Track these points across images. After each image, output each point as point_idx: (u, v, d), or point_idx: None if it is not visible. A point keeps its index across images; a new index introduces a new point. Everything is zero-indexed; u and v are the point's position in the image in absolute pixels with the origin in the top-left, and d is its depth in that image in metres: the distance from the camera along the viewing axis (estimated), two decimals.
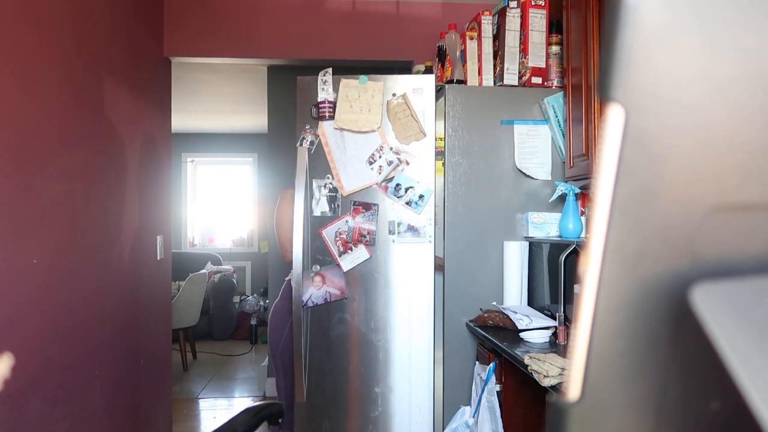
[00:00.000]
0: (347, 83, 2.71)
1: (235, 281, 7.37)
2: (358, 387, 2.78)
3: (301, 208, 2.67)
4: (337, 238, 2.73)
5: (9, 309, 1.88)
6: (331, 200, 2.73)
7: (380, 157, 2.71)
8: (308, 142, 2.73)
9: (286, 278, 2.91)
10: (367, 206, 2.72)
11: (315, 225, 2.75)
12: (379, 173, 2.72)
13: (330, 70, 2.75)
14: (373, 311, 2.78)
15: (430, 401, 2.74)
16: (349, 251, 2.73)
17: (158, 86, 3.39)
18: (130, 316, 2.92)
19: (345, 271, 2.72)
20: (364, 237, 2.72)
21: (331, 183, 2.73)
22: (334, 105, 2.72)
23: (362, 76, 2.72)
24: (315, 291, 2.73)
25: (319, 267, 2.73)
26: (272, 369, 2.92)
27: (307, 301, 2.72)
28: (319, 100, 2.73)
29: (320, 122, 2.74)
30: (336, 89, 2.72)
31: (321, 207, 2.74)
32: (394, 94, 2.72)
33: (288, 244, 2.79)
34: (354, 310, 2.77)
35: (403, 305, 2.78)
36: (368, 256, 2.73)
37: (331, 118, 2.73)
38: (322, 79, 2.73)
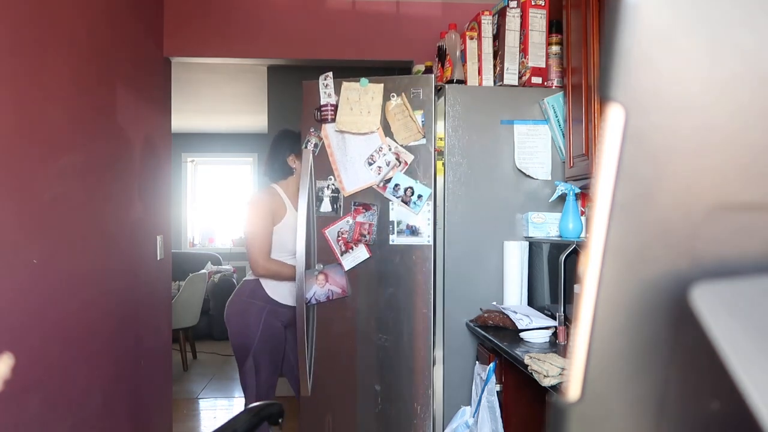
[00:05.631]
0: (348, 86, 2.75)
1: (235, 281, 7.36)
2: (358, 384, 2.81)
3: (304, 208, 2.74)
4: (339, 238, 2.77)
5: (9, 309, 1.88)
6: (334, 201, 2.78)
7: (380, 157, 2.74)
8: (312, 145, 2.79)
9: (245, 278, 2.98)
10: (367, 206, 2.75)
11: (318, 225, 2.80)
12: (378, 173, 2.74)
13: (330, 74, 2.80)
14: (373, 310, 2.80)
15: (430, 401, 2.73)
16: (351, 250, 2.76)
17: (158, 86, 3.39)
18: (130, 316, 2.92)
19: (346, 270, 2.76)
20: (364, 237, 2.74)
21: (333, 184, 2.78)
22: (335, 108, 2.76)
23: (363, 79, 2.75)
24: (318, 289, 2.78)
25: (322, 265, 2.79)
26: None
27: (311, 298, 2.78)
28: (321, 103, 2.79)
29: (323, 125, 2.79)
30: (338, 92, 2.76)
31: (324, 207, 2.79)
32: (393, 95, 2.73)
33: (260, 258, 2.85)
34: (355, 309, 2.80)
35: (403, 304, 2.78)
36: (368, 256, 2.75)
37: (333, 120, 2.77)
38: (323, 83, 2.79)
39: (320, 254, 2.80)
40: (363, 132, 2.74)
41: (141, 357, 3.06)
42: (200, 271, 6.19)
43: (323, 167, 2.80)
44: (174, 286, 5.65)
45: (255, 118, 7.20)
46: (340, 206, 2.78)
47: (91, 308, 2.46)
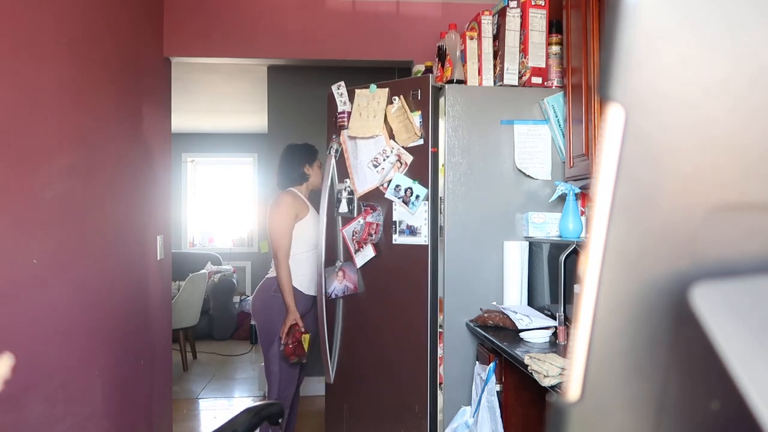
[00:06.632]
0: (360, 93, 2.93)
1: (235, 281, 7.36)
2: (366, 380, 2.98)
3: (325, 208, 3.03)
4: (353, 237, 2.95)
5: (9, 309, 1.88)
6: (349, 202, 2.99)
7: (384, 159, 2.84)
8: (334, 150, 3.04)
9: (267, 276, 3.21)
10: (374, 207, 2.89)
11: (338, 224, 3.06)
12: (381, 175, 2.83)
13: (342, 83, 3.02)
14: (377, 308, 2.92)
15: (427, 401, 2.74)
16: (361, 249, 2.93)
17: (158, 86, 3.39)
18: (130, 316, 2.92)
19: (358, 267, 2.94)
20: (371, 236, 2.88)
21: (349, 186, 2.99)
22: (350, 115, 2.98)
23: (372, 85, 2.89)
24: (337, 284, 3.03)
25: (341, 262, 3.03)
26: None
27: (332, 293, 3.04)
28: (338, 111, 3.02)
29: (341, 131, 3.01)
30: (353, 99, 2.97)
31: (342, 208, 3.02)
32: (394, 98, 2.81)
33: (283, 258, 3.08)
34: (363, 305, 2.97)
35: (402, 304, 2.82)
36: (373, 254, 2.88)
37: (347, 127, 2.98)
38: (337, 92, 3.02)
39: (339, 251, 3.06)
40: (367, 136, 2.87)
41: (141, 357, 3.06)
42: (200, 271, 6.19)
43: (344, 171, 3.03)
44: (174, 286, 5.65)
45: (255, 118, 7.20)
46: (354, 207, 2.97)
47: (91, 308, 2.46)
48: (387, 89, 2.84)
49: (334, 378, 3.09)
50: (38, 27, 2.08)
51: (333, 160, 3.04)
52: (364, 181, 2.91)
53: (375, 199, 2.88)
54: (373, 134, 2.85)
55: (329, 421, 3.16)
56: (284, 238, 3.08)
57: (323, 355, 3.06)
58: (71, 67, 2.31)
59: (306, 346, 3.04)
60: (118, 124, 2.79)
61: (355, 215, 2.95)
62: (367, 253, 2.90)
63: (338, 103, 3.01)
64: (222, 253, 8.12)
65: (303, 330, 3.04)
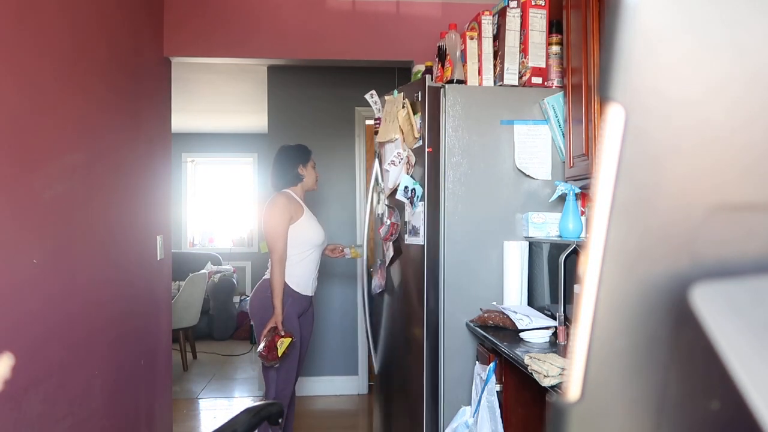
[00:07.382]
0: (388, 100, 3.04)
1: (235, 281, 7.36)
2: (389, 374, 3.18)
3: (368, 208, 3.28)
4: (385, 236, 3.09)
5: (9, 309, 1.88)
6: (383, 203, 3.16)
7: (399, 162, 2.92)
8: (377, 155, 3.26)
9: (265, 276, 3.18)
10: (392, 209, 3.02)
11: (375, 224, 3.28)
12: (395, 177, 2.93)
13: (374, 92, 3.17)
14: (391, 305, 3.06)
15: (424, 399, 2.74)
16: (387, 249, 3.07)
17: (158, 86, 3.39)
18: (130, 316, 2.92)
19: (387, 265, 3.10)
20: (392, 236, 2.99)
21: (383, 189, 3.15)
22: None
23: (395, 90, 2.98)
24: (376, 281, 3.24)
25: (379, 261, 3.23)
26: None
27: (373, 289, 3.28)
28: (375, 117, 3.22)
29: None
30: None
31: (378, 209, 3.21)
32: (405, 102, 2.87)
33: (279, 264, 3.05)
34: (388, 302, 3.15)
35: (406, 303, 2.85)
36: (393, 253, 3.00)
37: None
38: (371, 101, 3.16)
39: (376, 249, 3.29)
40: (386, 140, 2.98)
41: (141, 357, 3.06)
42: (200, 271, 6.19)
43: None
44: (174, 286, 5.65)
45: (255, 118, 7.20)
46: (386, 209, 3.12)
47: (91, 308, 2.46)
48: (402, 93, 2.90)
49: (378, 369, 3.36)
50: (38, 27, 2.08)
51: (377, 163, 3.24)
52: (388, 183, 3.04)
53: (394, 200, 2.97)
54: (391, 138, 2.94)
55: (374, 409, 3.51)
56: (279, 240, 3.05)
57: (368, 348, 3.35)
58: (71, 67, 2.31)
59: (281, 351, 2.92)
60: (119, 124, 2.78)
61: (388, 215, 3.08)
62: (389, 252, 3.04)
63: (374, 110, 3.19)
64: (222, 253, 8.12)
65: (282, 334, 2.96)
